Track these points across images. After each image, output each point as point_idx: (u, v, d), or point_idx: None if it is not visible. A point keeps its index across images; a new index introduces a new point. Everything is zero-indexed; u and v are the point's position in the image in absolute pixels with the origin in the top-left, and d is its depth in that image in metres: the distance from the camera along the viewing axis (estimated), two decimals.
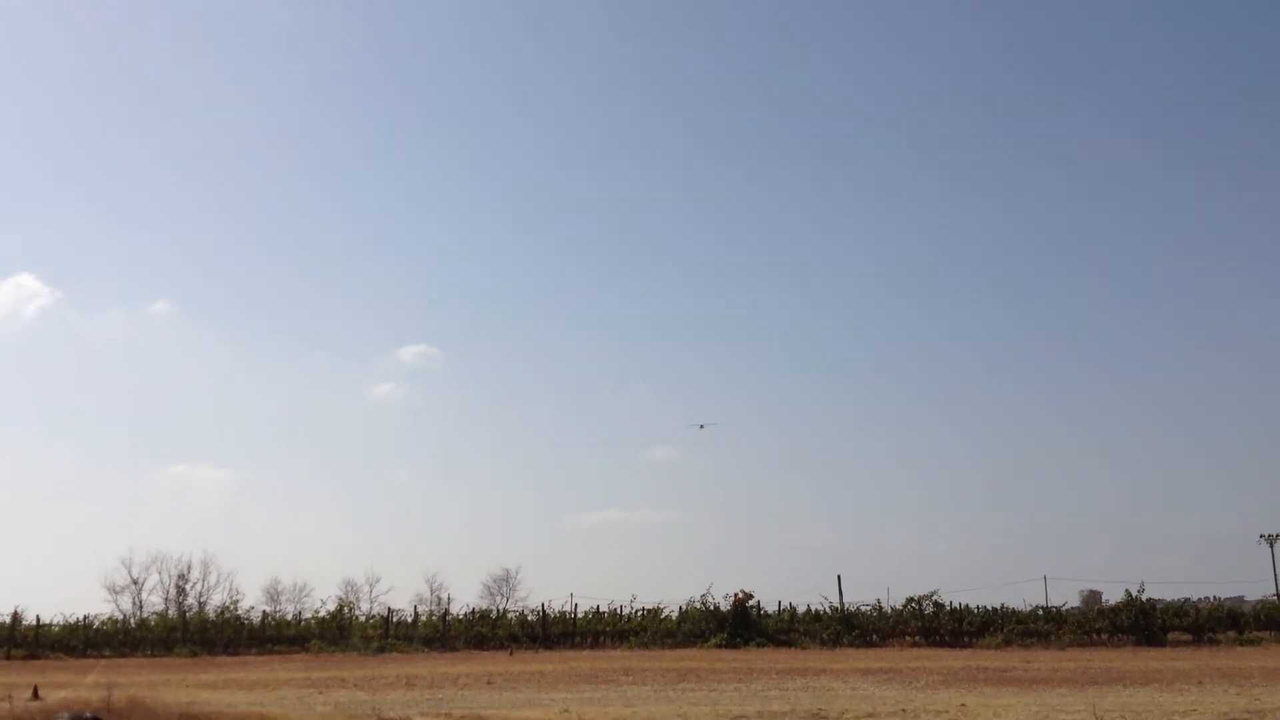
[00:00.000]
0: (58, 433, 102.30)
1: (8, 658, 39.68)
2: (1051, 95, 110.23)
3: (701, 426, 67.90)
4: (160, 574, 70.79)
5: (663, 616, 40.98)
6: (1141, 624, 36.74)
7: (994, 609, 38.61)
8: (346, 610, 44.46)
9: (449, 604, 45.72)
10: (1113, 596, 40.04)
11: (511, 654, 36.03)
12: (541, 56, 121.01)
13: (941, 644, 36.86)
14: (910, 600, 38.82)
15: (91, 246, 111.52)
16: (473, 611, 43.80)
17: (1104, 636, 37.09)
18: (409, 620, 43.54)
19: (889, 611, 39.19)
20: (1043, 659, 28.62)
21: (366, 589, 71.68)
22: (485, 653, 37.52)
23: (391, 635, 41.31)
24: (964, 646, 36.02)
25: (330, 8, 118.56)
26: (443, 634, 41.44)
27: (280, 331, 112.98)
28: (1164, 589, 40.82)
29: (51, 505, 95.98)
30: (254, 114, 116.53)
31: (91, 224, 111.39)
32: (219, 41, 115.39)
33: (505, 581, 75.95)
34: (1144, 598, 37.25)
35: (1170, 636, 36.76)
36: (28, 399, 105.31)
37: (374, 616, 45.05)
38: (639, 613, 41.61)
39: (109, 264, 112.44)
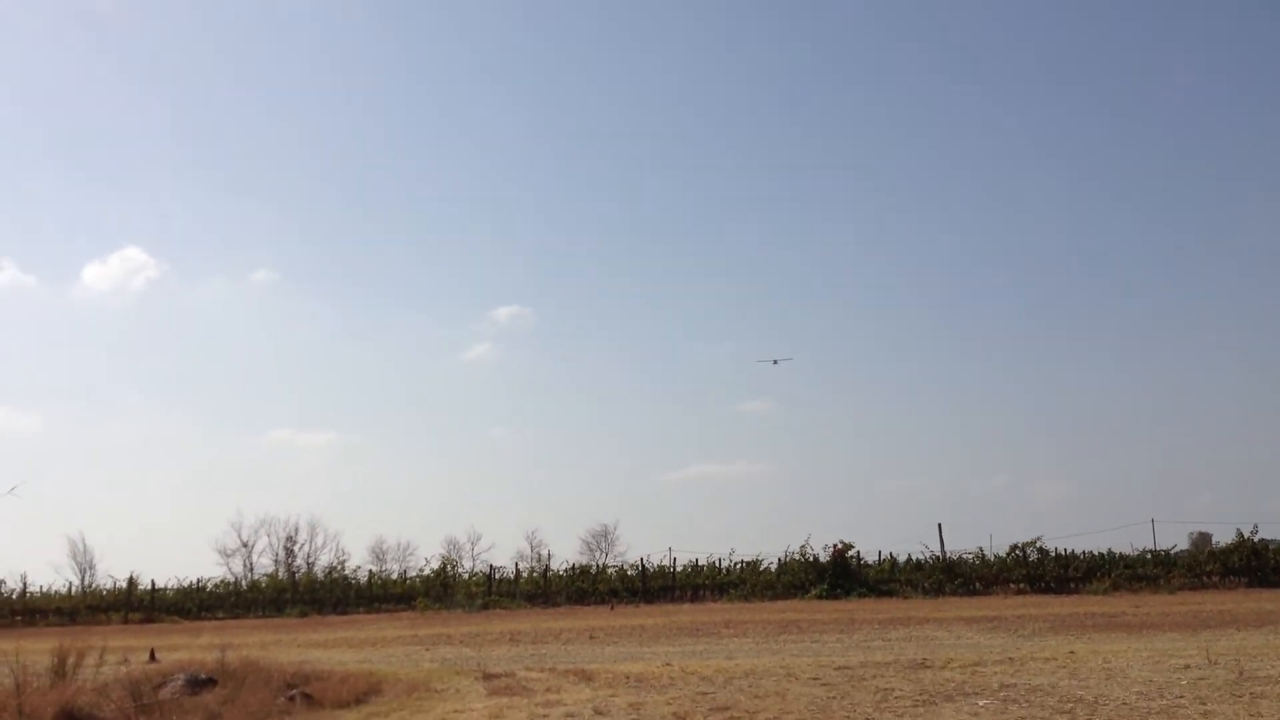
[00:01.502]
0: (167, 401, 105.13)
1: (125, 621, 40.96)
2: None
3: (775, 362, 66.63)
4: (269, 536, 72.79)
5: (762, 569, 40.92)
6: (1254, 565, 35.84)
7: (1100, 554, 37.88)
8: (450, 568, 45.13)
9: (549, 560, 46.19)
10: (1223, 538, 39.01)
11: (612, 608, 36.31)
12: (613, 31, 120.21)
13: (1046, 590, 36.33)
14: (1014, 547, 38.24)
15: (194, 217, 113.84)
16: (573, 567, 44.16)
17: (1214, 579, 36.26)
18: (510, 577, 44.04)
19: (992, 559, 38.69)
20: (1152, 603, 28.09)
21: (469, 547, 72.92)
22: (586, 608, 37.86)
23: (494, 592, 41.84)
24: (1070, 593, 35.46)
25: None
26: (544, 590, 41.89)
27: (377, 296, 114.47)
28: (1277, 529, 39.65)
29: (162, 472, 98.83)
30: (346, 84, 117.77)
31: (194, 195, 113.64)
32: (313, 11, 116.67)
33: (604, 537, 76.67)
34: (1256, 538, 36.31)
35: None
36: (138, 368, 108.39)
37: (477, 574, 45.65)
38: (738, 565, 41.58)
39: (211, 234, 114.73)
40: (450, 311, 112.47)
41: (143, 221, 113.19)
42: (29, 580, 46.84)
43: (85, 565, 66.83)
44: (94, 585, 52.13)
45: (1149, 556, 37.77)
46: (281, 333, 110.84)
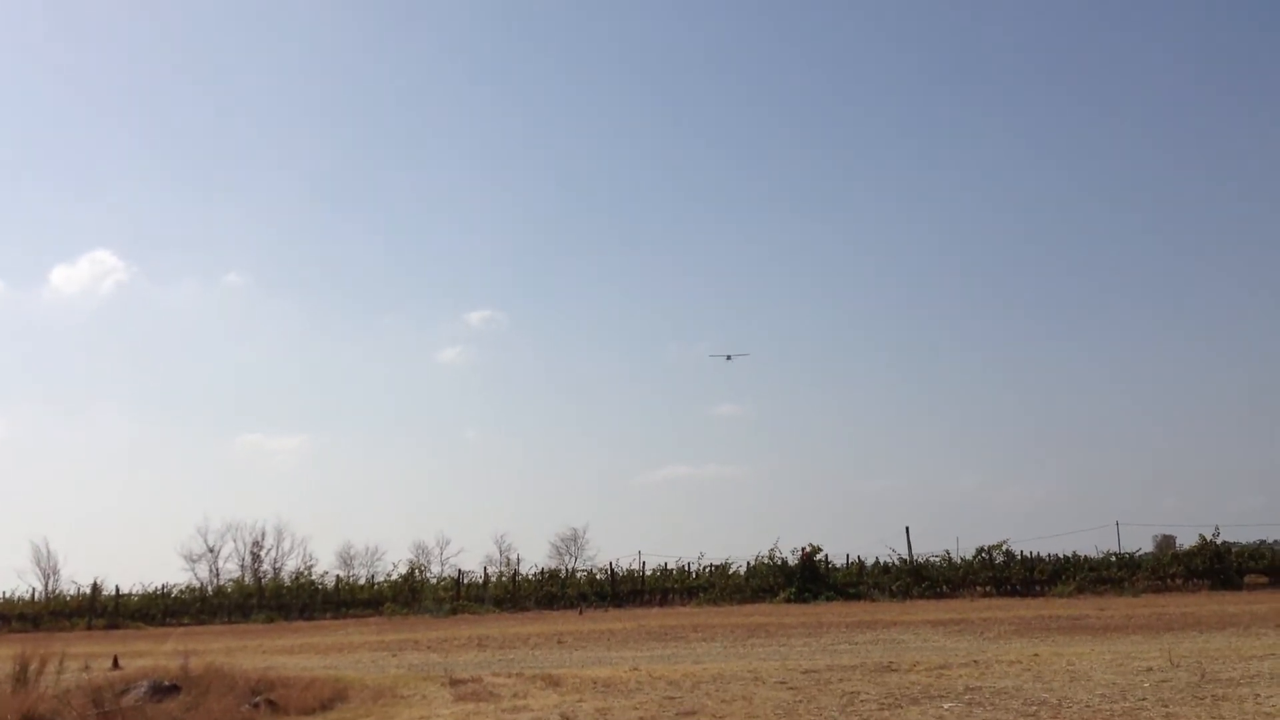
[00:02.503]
0: (135, 404, 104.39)
1: (89, 628, 40.59)
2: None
3: (729, 358, 66.53)
4: (235, 541, 72.10)
5: (730, 572, 41.05)
6: (1216, 568, 36.27)
7: (1065, 557, 38.23)
8: (418, 573, 45.01)
9: (518, 565, 46.18)
10: (1187, 541, 39.50)
11: (581, 613, 36.29)
12: (591, 31, 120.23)
13: (1013, 594, 36.60)
14: (980, 550, 38.56)
15: (165, 220, 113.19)
16: (542, 572, 44.13)
17: (1178, 582, 36.68)
18: (479, 582, 43.95)
19: (959, 562, 38.95)
20: (1116, 606, 28.33)
21: (437, 551, 72.46)
22: (555, 612, 37.82)
23: (462, 597, 41.75)
24: (1036, 595, 35.74)
25: None
26: (513, 594, 41.82)
27: (349, 299, 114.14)
28: (1242, 532, 40.10)
29: (129, 476, 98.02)
30: (318, 84, 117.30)
31: (164, 198, 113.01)
32: (282, 13, 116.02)
33: (573, 541, 76.41)
34: (1219, 541, 36.73)
35: (1247, 580, 36.27)
36: (106, 372, 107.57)
37: (445, 579, 45.53)
38: (707, 569, 41.70)
39: (182, 237, 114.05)
40: (423, 314, 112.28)
41: (113, 224, 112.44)
42: None
43: (49, 571, 66.06)
44: (58, 591, 51.74)
45: (1113, 559, 38.14)
46: (253, 336, 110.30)
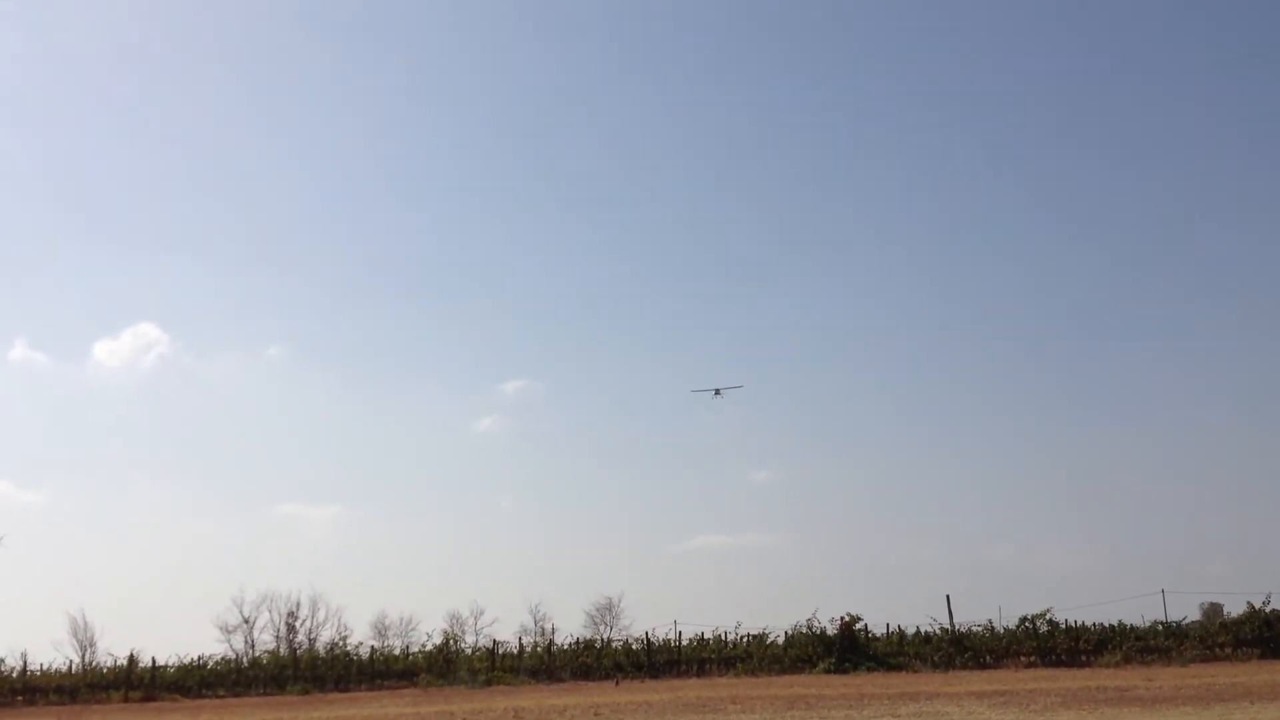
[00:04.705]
0: (173, 475, 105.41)
1: (125, 700, 40.49)
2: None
3: (716, 392, 63.68)
4: (271, 612, 72.18)
5: (768, 642, 40.47)
6: (1266, 636, 35.32)
7: (1111, 626, 37.42)
8: (452, 643, 44.66)
9: (553, 634, 45.75)
10: (1234, 609, 38.61)
11: (617, 684, 35.85)
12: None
13: (1058, 664, 35.84)
14: (1024, 619, 37.78)
15: (208, 294, 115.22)
16: (577, 642, 43.75)
17: (1227, 651, 35.74)
18: (514, 652, 43.56)
19: (1001, 631, 38.21)
20: (1164, 676, 27.67)
21: (471, 621, 72.19)
22: (591, 683, 37.37)
23: (498, 667, 41.38)
24: (1081, 666, 34.99)
25: (431, 59, 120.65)
26: (548, 665, 41.39)
27: (386, 369, 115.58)
28: None
29: (166, 547, 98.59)
30: (355, 160, 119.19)
31: (208, 273, 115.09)
32: (321, 84, 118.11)
33: (608, 610, 75.96)
34: (1269, 609, 35.85)
35: None
36: (146, 444, 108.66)
37: (480, 649, 45.18)
38: (744, 639, 41.17)
39: (225, 310, 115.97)
40: (459, 384, 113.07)
41: (156, 297, 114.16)
42: (29, 658, 46.46)
43: (86, 642, 66.31)
44: (94, 663, 51.72)
45: (1160, 628, 37.32)
46: (291, 407, 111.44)
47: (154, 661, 44.41)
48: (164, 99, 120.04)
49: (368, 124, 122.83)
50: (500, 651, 43.57)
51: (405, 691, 37.40)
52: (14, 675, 45.20)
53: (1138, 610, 52.45)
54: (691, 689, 30.45)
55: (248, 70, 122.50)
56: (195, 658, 45.36)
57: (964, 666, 35.97)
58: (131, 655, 44.62)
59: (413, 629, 70.50)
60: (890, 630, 40.07)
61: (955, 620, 38.97)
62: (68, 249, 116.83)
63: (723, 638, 41.54)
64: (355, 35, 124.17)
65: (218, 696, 40.52)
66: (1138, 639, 36.44)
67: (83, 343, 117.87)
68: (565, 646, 43.19)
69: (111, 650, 59.24)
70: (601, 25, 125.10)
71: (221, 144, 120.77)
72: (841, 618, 38.50)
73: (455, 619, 70.48)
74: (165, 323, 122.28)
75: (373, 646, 47.61)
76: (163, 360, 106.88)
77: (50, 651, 62.38)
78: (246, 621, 71.01)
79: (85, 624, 67.85)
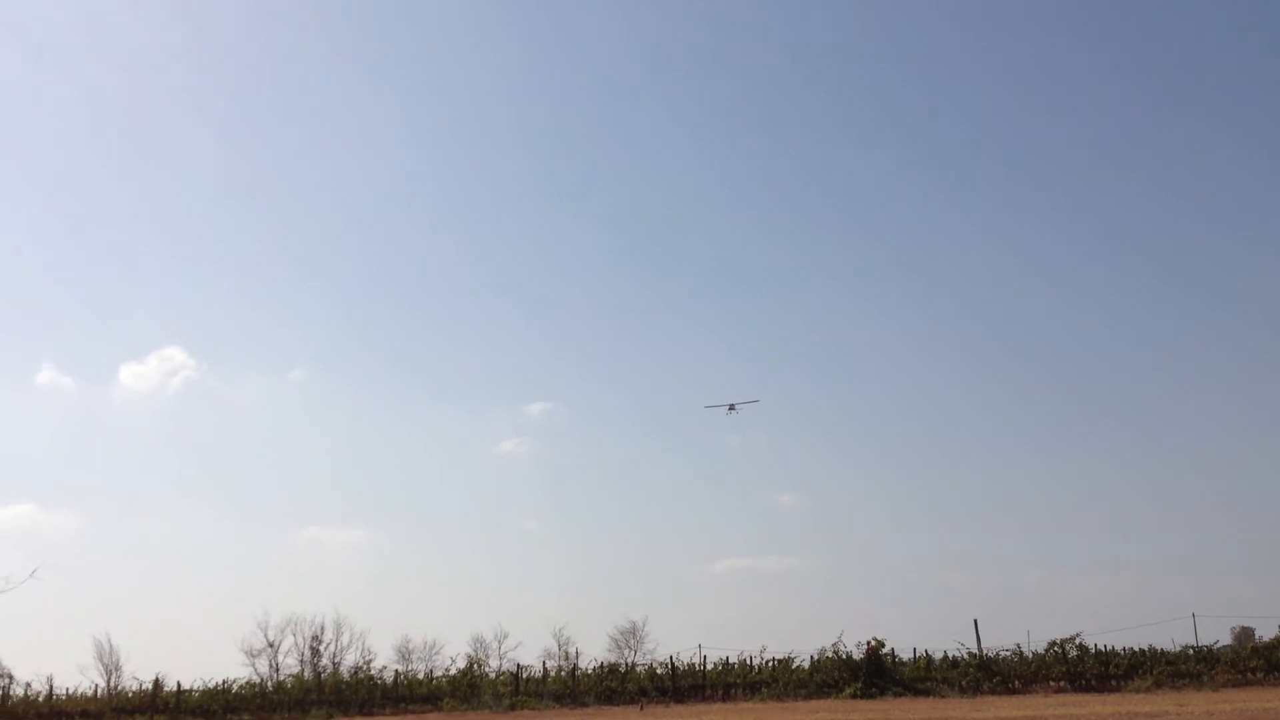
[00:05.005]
0: (198, 499, 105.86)
1: None
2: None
3: (731, 407, 61.48)
4: (295, 636, 72.02)
5: (794, 667, 40.09)
6: None
7: (1141, 650, 36.94)
8: (476, 667, 44.49)
9: (577, 658, 45.54)
10: (1266, 633, 38.02)
11: (642, 709, 35.60)
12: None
13: (1087, 689, 35.39)
14: (1052, 644, 37.33)
15: (233, 318, 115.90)
16: (601, 666, 43.49)
17: (1259, 675, 35.20)
18: (538, 676, 43.35)
19: (1030, 656, 37.78)
20: (1196, 701, 27.26)
21: (495, 645, 71.94)
22: (615, 708, 37.14)
23: (521, 692, 41.16)
24: (1111, 691, 34.53)
25: (455, 81, 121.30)
26: (572, 689, 41.16)
27: (409, 393, 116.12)
28: None
29: (193, 571, 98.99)
30: (377, 183, 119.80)
31: (233, 297, 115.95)
32: (347, 107, 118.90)
33: (633, 634, 75.58)
34: None
35: None
36: (172, 467, 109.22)
37: (504, 673, 45.01)
38: (770, 663, 40.80)
39: (249, 334, 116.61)
40: (483, 407, 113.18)
41: (182, 321, 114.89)
42: (55, 682, 46.59)
43: (111, 666, 66.40)
44: (120, 687, 51.78)
45: (1191, 652, 36.80)
46: (315, 430, 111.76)
47: (179, 685, 44.43)
48: (187, 125, 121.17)
49: (391, 150, 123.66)
50: (524, 676, 43.38)
51: (429, 716, 37.33)
52: (40, 699, 45.35)
53: (1168, 634, 51.67)
54: (717, 714, 30.24)
55: (270, 97, 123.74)
56: (220, 681, 45.31)
57: (992, 692, 35.54)
58: (157, 679, 44.65)
59: (436, 653, 70.30)
60: (917, 655, 39.72)
61: (983, 645, 38.61)
62: (94, 274, 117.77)
63: (748, 662, 41.23)
64: (378, 60, 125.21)
65: None
66: (1169, 663, 35.98)
67: (109, 366, 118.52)
68: (589, 671, 42.98)
69: (137, 674, 59.34)
70: (621, 44, 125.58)
71: (245, 170, 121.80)
72: (868, 642, 38.17)
73: (479, 643, 70.31)
74: (191, 346, 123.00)
75: (397, 670, 47.47)
76: (188, 384, 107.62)
77: (76, 675, 62.51)
78: (271, 645, 70.88)
79: (111, 648, 67.99)
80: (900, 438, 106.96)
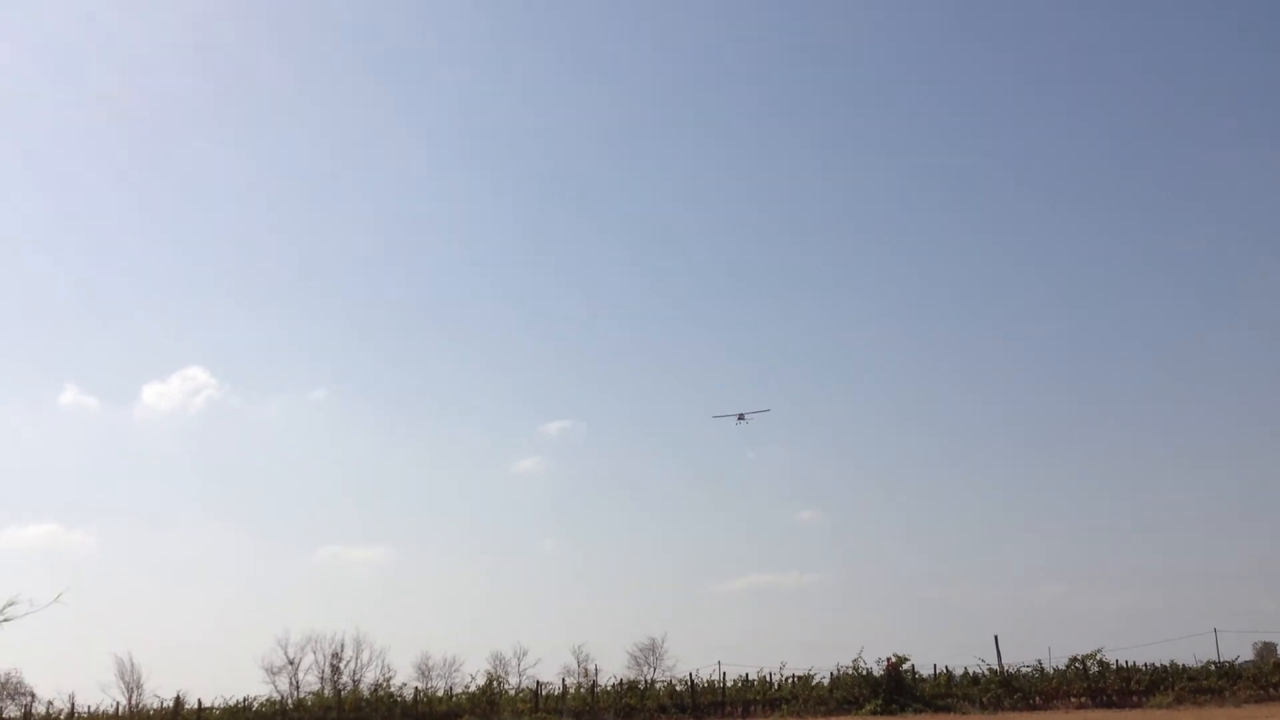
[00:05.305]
0: (221, 518, 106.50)
1: None
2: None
3: (740, 417, 60.43)
4: (315, 653, 72.25)
5: (814, 683, 40.00)
6: None
7: (1163, 666, 36.80)
8: (496, 684, 44.52)
9: (596, 675, 45.52)
10: None
11: None
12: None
13: (1109, 704, 35.25)
14: (1073, 660, 37.19)
15: (255, 339, 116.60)
16: (620, 683, 43.44)
17: None
18: (558, 693, 43.34)
19: (1051, 672, 37.62)
20: (1218, 717, 27.21)
21: (515, 662, 72.04)
22: None
23: (541, 708, 41.19)
24: (1133, 707, 34.40)
25: (475, 104, 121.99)
26: (591, 706, 41.15)
27: (428, 412, 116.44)
28: None
29: (213, 589, 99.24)
30: (395, 205, 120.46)
31: (254, 317, 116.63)
32: (368, 130, 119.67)
33: (652, 651, 75.56)
34: None
35: None
36: (194, 486, 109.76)
37: (523, 690, 45.02)
38: (789, 680, 40.72)
39: (271, 354, 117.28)
40: (501, 425, 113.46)
41: (204, 342, 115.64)
42: (76, 701, 46.79)
43: (133, 684, 66.64)
44: (141, 705, 51.94)
45: (1213, 668, 36.64)
46: (335, 449, 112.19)
47: (200, 703, 44.62)
48: (209, 146, 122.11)
49: (413, 169, 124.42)
50: (544, 692, 43.38)
51: None
52: (62, 718, 45.53)
53: (1190, 650, 51.61)
54: None
55: (295, 119, 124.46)
56: (241, 699, 45.51)
57: (1013, 708, 35.43)
58: (178, 697, 44.90)
59: (456, 670, 70.49)
60: (937, 671, 39.59)
61: (1004, 661, 38.47)
62: (117, 295, 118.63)
63: (767, 678, 41.13)
64: (400, 82, 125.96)
65: None
66: (1190, 679, 35.82)
67: (132, 387, 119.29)
68: (609, 687, 42.93)
69: (158, 692, 59.62)
70: (639, 66, 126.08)
71: (268, 191, 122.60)
72: (888, 658, 38.08)
73: (498, 660, 70.50)
74: (213, 366, 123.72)
75: (416, 687, 47.52)
76: (211, 404, 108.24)
77: (98, 694, 62.25)
78: (291, 663, 71.20)
79: (132, 666, 68.32)
80: (919, 453, 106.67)
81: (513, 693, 44.55)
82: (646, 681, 44.77)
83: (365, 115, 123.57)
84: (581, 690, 43.55)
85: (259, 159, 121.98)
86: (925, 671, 39.32)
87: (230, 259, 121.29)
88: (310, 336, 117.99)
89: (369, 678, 65.09)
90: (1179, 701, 34.01)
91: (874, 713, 35.67)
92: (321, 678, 70.29)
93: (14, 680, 68.14)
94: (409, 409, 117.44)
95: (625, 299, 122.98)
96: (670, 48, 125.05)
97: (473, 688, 44.45)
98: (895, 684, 37.43)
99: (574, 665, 66.41)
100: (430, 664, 73.37)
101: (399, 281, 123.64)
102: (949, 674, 39.25)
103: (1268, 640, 52.16)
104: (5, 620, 14.26)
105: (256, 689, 61.45)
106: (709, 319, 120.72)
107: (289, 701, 49.51)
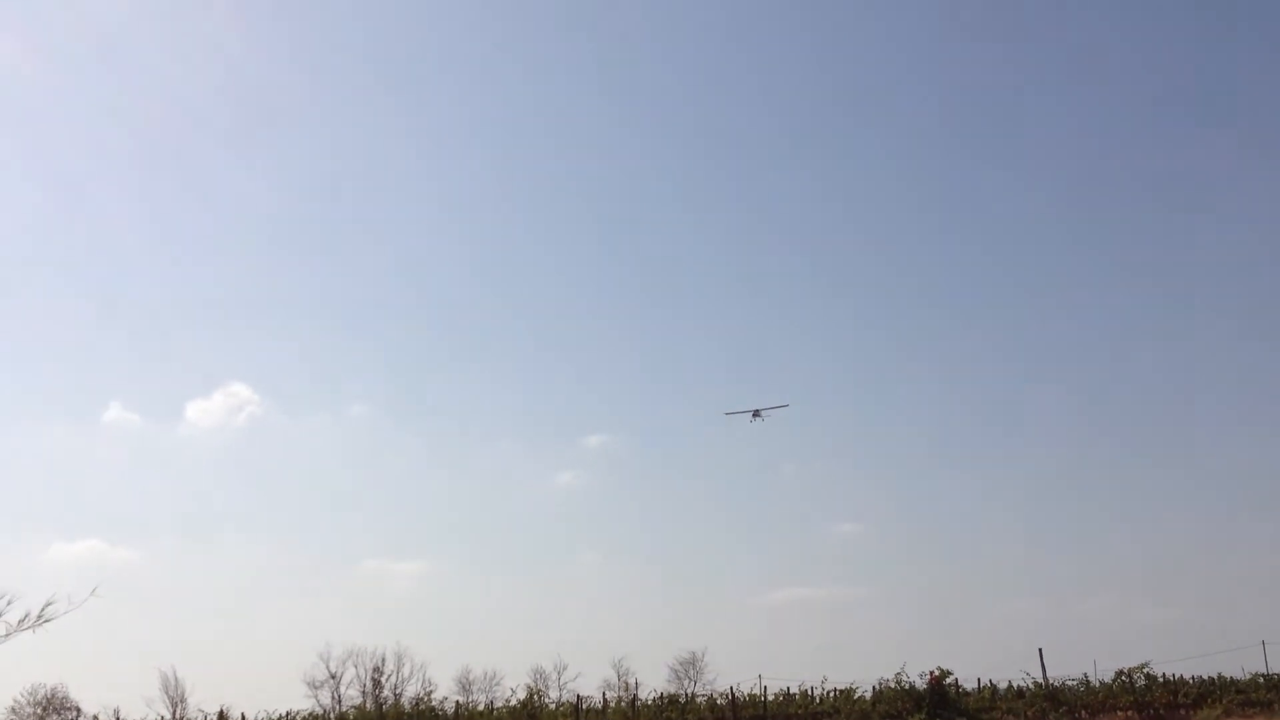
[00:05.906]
0: (262, 532, 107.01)
1: None
2: None
3: (756, 413, 57.85)
4: (357, 668, 72.42)
5: (856, 697, 39.71)
6: None
7: (1210, 678, 36.45)
8: (536, 698, 44.41)
9: (636, 689, 45.34)
10: None
11: None
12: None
13: (1156, 718, 34.89)
14: (1120, 672, 36.83)
15: (297, 355, 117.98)
16: (661, 697, 43.26)
17: None
18: (598, 707, 43.24)
19: (1097, 685, 37.25)
20: None
21: (555, 676, 71.88)
22: None
23: None
24: None
25: (502, 124, 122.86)
26: None
27: (468, 426, 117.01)
28: None
29: (257, 603, 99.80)
30: (434, 223, 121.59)
31: (296, 335, 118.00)
32: (402, 152, 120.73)
33: (692, 665, 75.20)
34: None
35: None
36: (237, 502, 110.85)
37: (564, 704, 44.88)
38: (831, 694, 40.44)
39: (313, 371, 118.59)
40: (540, 439, 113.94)
41: (247, 358, 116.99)
42: (122, 715, 47.08)
43: (177, 699, 66.98)
44: (185, 718, 52.23)
45: (1261, 680, 36.25)
46: (376, 463, 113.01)
47: (243, 717, 44.79)
48: (247, 162, 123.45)
49: (447, 189, 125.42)
50: (584, 707, 43.29)
51: None
52: None
53: (1237, 662, 50.63)
54: None
55: (329, 135, 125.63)
56: (283, 713, 45.64)
57: None
58: (221, 711, 45.02)
59: (497, 684, 70.38)
60: (981, 685, 39.27)
61: (1049, 674, 38.11)
62: (160, 312, 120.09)
63: (809, 693, 40.87)
64: (432, 106, 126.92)
65: None
66: (1238, 692, 35.45)
67: (176, 403, 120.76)
68: (649, 702, 42.75)
69: (202, 706, 59.98)
70: (653, 78, 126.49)
71: (307, 209, 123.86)
72: (931, 672, 37.75)
73: (539, 674, 70.28)
74: (256, 383, 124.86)
75: (457, 701, 47.55)
76: (253, 419, 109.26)
77: (142, 708, 62.42)
78: (333, 677, 71.34)
79: (176, 680, 68.59)
80: (961, 465, 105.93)
81: (553, 707, 44.42)
82: (687, 695, 44.58)
83: (399, 136, 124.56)
84: (622, 704, 43.42)
85: (298, 178, 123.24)
86: (969, 685, 39.05)
87: (272, 276, 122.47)
88: (351, 353, 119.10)
89: (410, 692, 65.21)
90: (1227, 714, 33.67)
91: None
92: (363, 692, 70.45)
93: (59, 695, 68.60)
94: (447, 423, 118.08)
95: (665, 312, 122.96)
96: (681, 59, 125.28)
97: (513, 702, 44.34)
98: (939, 698, 37.11)
99: (614, 679, 66.22)
100: (471, 678, 73.39)
101: (435, 297, 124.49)
102: (993, 687, 38.93)
103: None
104: (45, 621, 14.40)
105: (299, 703, 61.84)
106: (750, 337, 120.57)
107: (331, 715, 49.70)
